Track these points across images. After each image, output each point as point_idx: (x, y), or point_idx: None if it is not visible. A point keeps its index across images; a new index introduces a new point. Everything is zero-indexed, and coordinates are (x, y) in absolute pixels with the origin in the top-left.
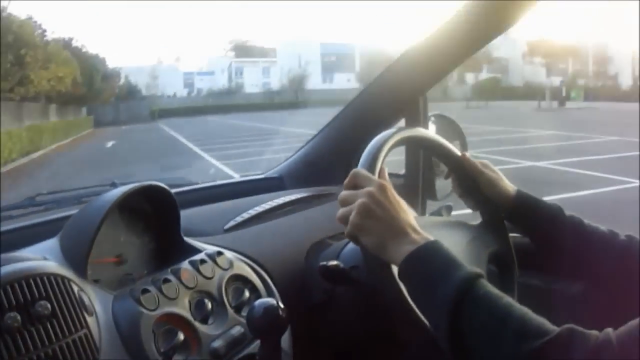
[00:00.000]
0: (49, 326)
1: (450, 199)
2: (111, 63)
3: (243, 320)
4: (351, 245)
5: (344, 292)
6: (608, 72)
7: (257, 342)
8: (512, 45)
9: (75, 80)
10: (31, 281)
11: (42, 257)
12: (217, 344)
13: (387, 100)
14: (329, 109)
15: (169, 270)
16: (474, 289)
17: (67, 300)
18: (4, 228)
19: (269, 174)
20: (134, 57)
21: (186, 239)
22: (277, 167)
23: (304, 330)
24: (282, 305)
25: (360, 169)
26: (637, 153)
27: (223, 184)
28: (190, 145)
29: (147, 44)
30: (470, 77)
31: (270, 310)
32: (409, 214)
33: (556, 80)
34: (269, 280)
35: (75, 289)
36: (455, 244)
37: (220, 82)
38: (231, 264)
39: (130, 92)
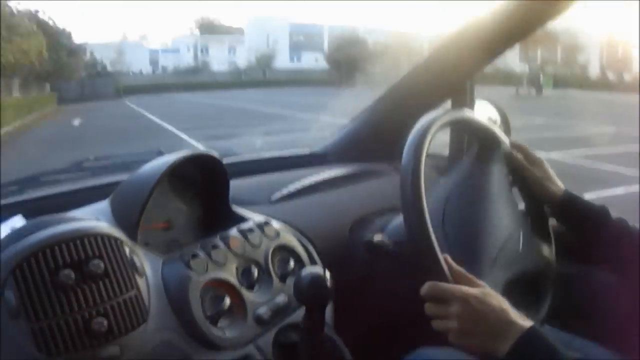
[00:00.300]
0: (101, 285)
1: None
2: (77, 38)
3: (288, 290)
4: (396, 221)
5: (386, 267)
6: (577, 61)
7: (301, 311)
8: None
9: (41, 54)
10: (85, 240)
11: (95, 218)
12: (262, 310)
13: (434, 81)
14: (297, 89)
15: (218, 236)
16: None
17: (119, 260)
18: (54, 191)
19: (315, 150)
20: (100, 33)
21: (234, 207)
22: (323, 144)
23: (345, 303)
24: (328, 275)
25: (435, 283)
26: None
27: (270, 157)
28: (165, 124)
29: (112, 20)
30: None
31: (317, 279)
32: (498, 305)
33: (525, 67)
34: (313, 252)
35: (127, 250)
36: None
37: (186, 60)
38: (278, 233)
39: (96, 69)
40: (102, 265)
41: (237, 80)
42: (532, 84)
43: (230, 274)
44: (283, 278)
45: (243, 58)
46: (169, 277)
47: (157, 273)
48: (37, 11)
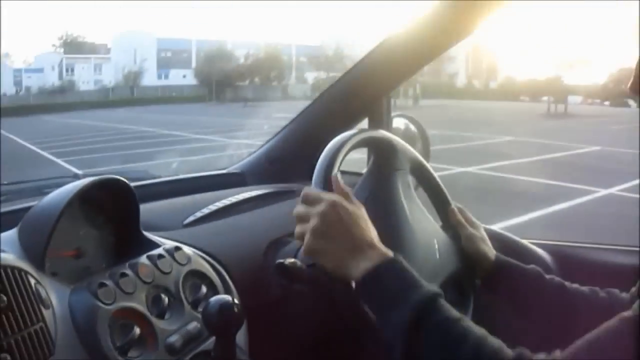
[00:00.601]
0: (4, 319)
1: None
2: None
3: (199, 316)
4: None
5: (300, 290)
6: (444, 71)
7: (213, 339)
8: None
9: None
10: None
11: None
12: (173, 339)
13: (350, 99)
14: (167, 106)
15: (127, 264)
16: (429, 313)
17: (23, 293)
18: None
19: (230, 169)
20: None
21: (145, 233)
22: (239, 163)
23: (260, 327)
24: (237, 302)
25: (312, 187)
26: (552, 155)
27: (183, 179)
28: (35, 148)
29: None
30: (310, 76)
31: (225, 306)
32: (366, 228)
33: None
34: (226, 277)
35: (32, 282)
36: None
37: (50, 79)
38: (189, 259)
39: None
40: (4, 298)
41: (105, 99)
42: (408, 94)
43: (139, 303)
44: (195, 304)
45: (110, 76)
46: (76, 307)
47: (64, 303)
48: None
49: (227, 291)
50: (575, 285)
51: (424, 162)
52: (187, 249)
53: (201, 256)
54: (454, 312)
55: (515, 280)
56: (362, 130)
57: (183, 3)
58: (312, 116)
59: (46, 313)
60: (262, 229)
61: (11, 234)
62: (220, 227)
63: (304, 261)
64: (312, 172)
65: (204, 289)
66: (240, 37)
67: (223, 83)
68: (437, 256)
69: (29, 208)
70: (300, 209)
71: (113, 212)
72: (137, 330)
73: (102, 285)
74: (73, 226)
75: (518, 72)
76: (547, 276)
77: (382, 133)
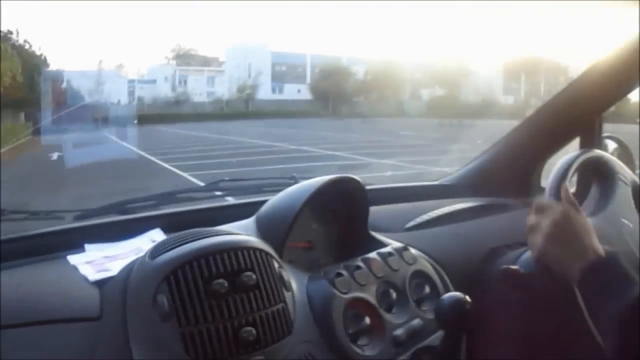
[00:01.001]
0: (252, 296)
1: None
2: (53, 65)
3: (423, 314)
4: (527, 254)
5: (519, 298)
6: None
7: (436, 336)
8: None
9: (15, 79)
10: (239, 253)
11: (244, 233)
12: (399, 332)
13: (562, 118)
14: (281, 120)
15: (360, 258)
16: None
17: (269, 274)
18: (189, 207)
19: (442, 180)
20: (76, 60)
21: (372, 232)
22: (450, 176)
23: (477, 332)
24: (469, 300)
25: (543, 198)
26: None
27: (398, 187)
28: (156, 159)
29: (89, 47)
30: (425, 93)
31: (459, 302)
32: (592, 237)
33: (510, 99)
34: (446, 279)
35: (276, 265)
36: None
37: (163, 91)
38: (415, 259)
39: (73, 98)
40: (254, 277)
41: (220, 111)
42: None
43: (370, 295)
44: (419, 302)
45: (223, 89)
46: (314, 294)
47: (302, 289)
48: (10, 32)
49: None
50: None
51: None
52: (413, 250)
53: (425, 258)
54: None
55: None
56: (588, 151)
57: (298, 17)
58: (523, 134)
59: (287, 295)
60: (479, 238)
61: (249, 222)
62: (440, 233)
63: (527, 269)
64: (522, 188)
65: (427, 289)
66: (355, 53)
67: (339, 98)
68: None
69: (255, 203)
70: (533, 218)
71: (343, 210)
72: (367, 320)
73: (339, 275)
74: (306, 221)
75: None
76: None
77: (607, 156)
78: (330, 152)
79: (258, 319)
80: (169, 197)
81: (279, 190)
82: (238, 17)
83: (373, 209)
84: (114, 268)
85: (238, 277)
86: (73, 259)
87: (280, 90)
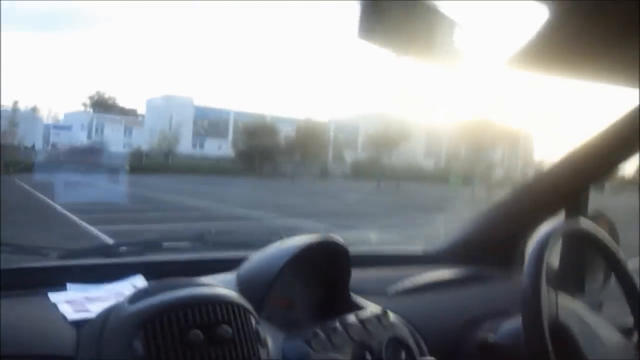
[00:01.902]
0: (226, 349)
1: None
2: None
3: None
4: (507, 324)
5: None
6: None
7: None
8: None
9: None
10: (217, 305)
11: (225, 287)
12: None
13: (549, 191)
14: (205, 177)
15: (337, 320)
16: None
17: (246, 329)
18: (177, 257)
19: (426, 249)
20: None
21: (353, 295)
22: (436, 244)
23: None
24: None
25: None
26: None
27: (384, 253)
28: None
29: (5, 86)
30: (347, 155)
31: None
32: None
33: (430, 162)
34: (424, 347)
35: (253, 321)
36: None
37: (79, 138)
38: (393, 325)
39: None
40: (230, 331)
41: (139, 164)
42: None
43: (346, 357)
44: None
45: (140, 140)
46: (289, 353)
47: (278, 347)
48: None
49: None
50: None
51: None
52: (392, 315)
53: (403, 324)
54: None
55: None
56: (570, 221)
57: (223, 72)
58: (508, 206)
59: (262, 351)
60: (459, 308)
61: (229, 276)
62: (421, 301)
63: (504, 340)
64: (505, 259)
65: (403, 355)
66: (279, 112)
67: (263, 157)
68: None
69: (239, 258)
70: None
71: (326, 271)
72: None
73: (315, 335)
74: (288, 279)
75: None
76: None
77: (589, 225)
78: (294, 221)
79: None
80: (154, 245)
81: (263, 246)
82: (162, 67)
83: (356, 272)
84: (94, 309)
85: (214, 330)
86: (54, 296)
87: (202, 145)
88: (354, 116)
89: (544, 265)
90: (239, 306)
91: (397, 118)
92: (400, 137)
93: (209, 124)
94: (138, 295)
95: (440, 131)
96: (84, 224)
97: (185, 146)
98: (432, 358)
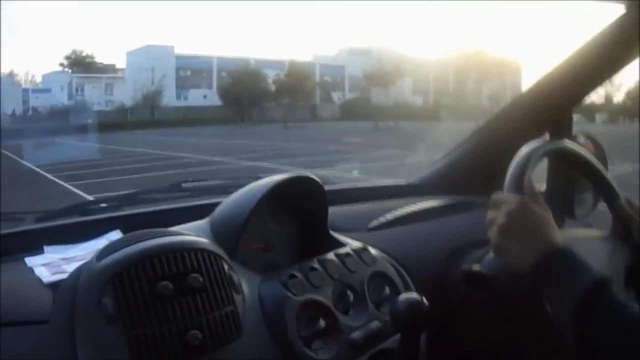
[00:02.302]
0: (198, 298)
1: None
2: None
3: (382, 316)
4: (491, 253)
5: (482, 299)
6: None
7: (395, 338)
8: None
9: None
10: (185, 254)
11: (195, 234)
12: (356, 335)
13: (531, 113)
14: (193, 129)
15: (316, 259)
16: (599, 295)
17: (217, 276)
18: (153, 208)
19: (410, 180)
20: None
21: (332, 232)
22: (419, 175)
23: (439, 332)
24: (426, 302)
25: (503, 192)
26: None
27: (366, 187)
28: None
29: None
30: (334, 96)
31: (414, 304)
32: (550, 228)
33: (419, 99)
34: (409, 280)
35: (226, 266)
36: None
37: (59, 100)
38: (374, 260)
39: None
40: (200, 279)
41: (124, 120)
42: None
43: (326, 297)
44: (378, 304)
45: (123, 96)
46: (266, 296)
47: (254, 291)
48: None
49: None
50: None
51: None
52: (373, 250)
53: (385, 258)
54: (623, 298)
55: None
56: (551, 141)
57: (202, 18)
58: (491, 131)
59: (237, 298)
60: (443, 238)
61: (203, 223)
62: (403, 233)
63: (488, 270)
64: (490, 186)
65: (387, 290)
66: (264, 55)
67: (250, 104)
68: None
69: (215, 204)
70: (491, 213)
71: (302, 210)
72: (322, 323)
73: (292, 276)
74: (263, 220)
75: None
76: None
77: (570, 144)
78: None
79: (205, 322)
80: (131, 198)
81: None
82: (138, 18)
83: (336, 209)
84: (70, 270)
85: (184, 279)
86: (30, 260)
87: (186, 97)
88: (338, 52)
89: (525, 183)
90: (209, 252)
91: (383, 53)
92: (388, 75)
93: (192, 72)
94: (105, 252)
95: (427, 68)
96: (63, 182)
97: (169, 98)
98: (415, 294)
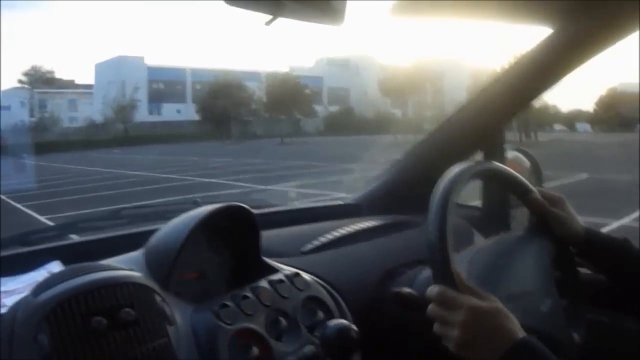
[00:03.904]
0: (131, 332)
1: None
2: None
3: (316, 340)
4: (425, 273)
5: (415, 320)
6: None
7: None
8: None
9: None
10: (117, 289)
11: (128, 268)
12: None
13: (464, 133)
14: (175, 146)
15: (248, 287)
16: None
17: (150, 309)
18: (91, 238)
19: (347, 200)
20: None
21: (265, 259)
22: (356, 195)
23: (373, 355)
24: (355, 327)
25: (445, 288)
26: None
27: (302, 209)
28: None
29: None
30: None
31: (343, 330)
32: (507, 322)
33: (398, 113)
34: (342, 303)
35: (158, 299)
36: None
37: (20, 117)
38: (307, 285)
39: None
40: (132, 313)
41: (95, 138)
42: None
43: (259, 324)
44: (311, 329)
45: (95, 111)
46: (199, 326)
47: (187, 322)
48: None
49: (343, 317)
50: None
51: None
52: (305, 276)
53: (319, 283)
54: None
55: (606, 250)
56: (474, 164)
57: (172, 28)
58: (426, 149)
59: (170, 329)
60: (377, 259)
61: (138, 254)
62: (337, 256)
63: (421, 291)
64: (425, 205)
65: (320, 314)
66: (238, 66)
67: (230, 119)
68: (542, 308)
69: (152, 231)
70: (436, 310)
71: (235, 238)
72: (255, 351)
73: (224, 306)
74: (196, 250)
75: None
76: (637, 247)
77: (493, 165)
78: None
79: (139, 355)
80: (70, 227)
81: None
82: (108, 28)
83: (271, 233)
84: (10, 304)
85: (117, 314)
86: None
87: (159, 112)
88: (315, 63)
89: (449, 210)
90: (140, 286)
91: (362, 64)
92: (367, 88)
93: (165, 85)
94: (42, 287)
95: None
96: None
97: (141, 114)
98: (342, 321)
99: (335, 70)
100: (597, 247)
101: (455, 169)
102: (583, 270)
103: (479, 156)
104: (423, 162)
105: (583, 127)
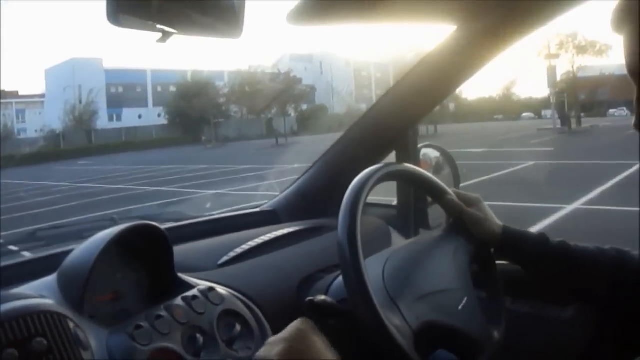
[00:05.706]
0: None
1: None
2: None
3: (234, 354)
4: (340, 279)
5: (335, 325)
6: None
7: None
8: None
9: None
10: (28, 319)
11: (40, 295)
12: None
13: (377, 132)
14: (147, 154)
15: (162, 306)
16: None
17: (63, 336)
18: (3, 264)
19: (264, 207)
20: None
21: (180, 275)
22: (272, 201)
23: None
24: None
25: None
26: None
27: (218, 219)
28: None
29: None
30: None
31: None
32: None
33: (363, 107)
34: (260, 315)
35: (71, 325)
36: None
37: None
38: (222, 299)
39: None
40: (45, 342)
41: (56, 148)
42: None
43: (175, 343)
44: (229, 343)
45: (41, 122)
46: (114, 349)
47: (102, 345)
48: None
49: (261, 329)
50: (583, 246)
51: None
52: (220, 289)
53: (235, 295)
54: None
55: (523, 247)
56: (385, 165)
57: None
58: (340, 151)
59: (85, 355)
60: (294, 267)
61: (51, 279)
62: (253, 266)
63: (337, 296)
64: (340, 208)
65: (238, 328)
66: (203, 65)
67: (201, 121)
68: (459, 306)
69: (68, 252)
70: None
71: (148, 256)
72: None
73: (139, 327)
74: (110, 270)
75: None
76: (554, 240)
77: (404, 166)
78: None
79: None
80: None
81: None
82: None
83: (187, 247)
84: None
85: (29, 344)
86: None
87: (119, 117)
88: (279, 59)
89: (358, 213)
90: (52, 314)
91: (326, 59)
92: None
93: (125, 88)
94: None
95: (369, 73)
96: None
97: (101, 120)
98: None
99: (300, 65)
100: (513, 244)
101: (364, 173)
102: (501, 262)
103: (392, 155)
104: (337, 164)
105: (547, 114)
